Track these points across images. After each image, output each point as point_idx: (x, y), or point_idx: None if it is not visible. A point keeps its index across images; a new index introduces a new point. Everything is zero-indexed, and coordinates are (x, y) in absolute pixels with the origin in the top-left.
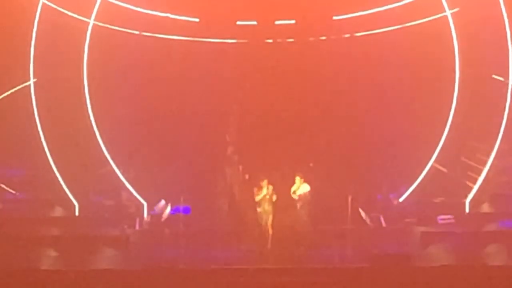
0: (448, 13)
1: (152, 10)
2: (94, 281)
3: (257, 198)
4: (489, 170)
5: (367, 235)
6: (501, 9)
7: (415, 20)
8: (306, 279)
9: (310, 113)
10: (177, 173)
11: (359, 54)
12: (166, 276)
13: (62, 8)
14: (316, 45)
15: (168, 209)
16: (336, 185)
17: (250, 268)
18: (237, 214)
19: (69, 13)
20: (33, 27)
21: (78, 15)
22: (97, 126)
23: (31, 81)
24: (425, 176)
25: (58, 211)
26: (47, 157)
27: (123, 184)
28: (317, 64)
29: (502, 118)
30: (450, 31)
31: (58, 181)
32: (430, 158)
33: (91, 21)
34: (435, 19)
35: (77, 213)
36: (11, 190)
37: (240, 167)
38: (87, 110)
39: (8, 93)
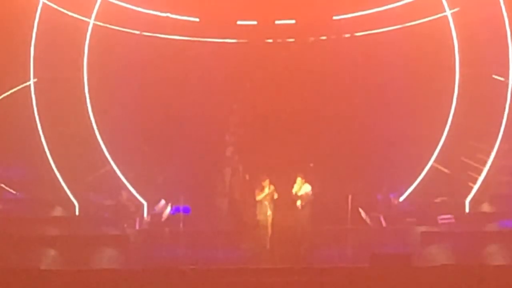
0: (448, 13)
1: (152, 10)
2: (94, 281)
3: (258, 197)
4: (489, 170)
5: (367, 235)
6: (501, 9)
7: (415, 20)
8: (306, 279)
9: (310, 113)
10: (177, 173)
11: (359, 54)
12: (166, 276)
13: (62, 8)
14: (316, 45)
15: (168, 209)
16: (336, 185)
17: (250, 268)
18: (237, 214)
19: (69, 13)
20: (33, 27)
21: (78, 15)
22: (97, 126)
23: (31, 81)
24: (425, 176)
25: (58, 211)
26: (47, 157)
27: (123, 184)
28: (317, 64)
29: (502, 118)
30: (450, 31)
31: (58, 181)
32: (430, 158)
33: (91, 21)
34: (435, 19)
35: (77, 213)
36: (11, 190)
37: (240, 167)
38: (87, 110)
39: (8, 93)
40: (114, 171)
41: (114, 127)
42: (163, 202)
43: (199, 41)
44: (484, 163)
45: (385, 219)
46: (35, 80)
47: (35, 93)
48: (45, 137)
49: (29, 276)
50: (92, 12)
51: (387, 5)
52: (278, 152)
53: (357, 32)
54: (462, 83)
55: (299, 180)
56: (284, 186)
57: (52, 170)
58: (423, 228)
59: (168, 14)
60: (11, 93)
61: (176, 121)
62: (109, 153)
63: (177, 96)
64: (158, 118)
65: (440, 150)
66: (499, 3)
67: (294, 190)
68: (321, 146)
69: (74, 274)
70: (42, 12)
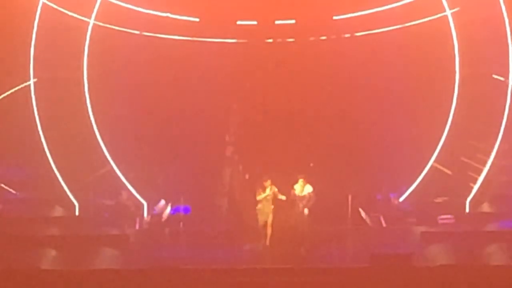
0: (448, 13)
1: (152, 10)
2: (94, 281)
3: (259, 197)
4: (489, 170)
5: (367, 235)
6: (501, 9)
7: (415, 20)
8: (306, 279)
9: (310, 112)
10: (177, 173)
11: (359, 54)
12: (166, 276)
13: (62, 8)
14: (316, 45)
15: (168, 209)
16: (336, 185)
17: (250, 268)
18: (237, 214)
19: (69, 13)
20: (33, 27)
21: (78, 15)
22: (97, 126)
23: (31, 81)
24: (425, 176)
25: (58, 211)
26: (47, 157)
27: (123, 184)
28: (317, 64)
29: (502, 118)
30: (450, 31)
31: (58, 181)
32: (430, 158)
33: (91, 21)
34: (435, 19)
35: (77, 213)
36: (11, 190)
37: (240, 167)
38: (87, 110)
39: (8, 93)
40: (114, 171)
41: (114, 127)
42: (163, 202)
43: (199, 41)
44: (484, 163)
45: (385, 219)
46: (35, 80)
47: (35, 93)
48: (45, 137)
49: (29, 276)
50: (92, 12)
51: (387, 5)
52: (278, 152)
53: (357, 32)
54: (462, 83)
55: (301, 181)
56: (284, 186)
57: (52, 170)
58: (423, 228)
59: (168, 14)
60: (11, 93)
61: (176, 121)
62: (109, 153)
63: (177, 96)
64: (158, 118)
65: (440, 150)
66: (499, 3)
67: (296, 191)
68: (321, 146)
69: (74, 274)
70: (42, 12)
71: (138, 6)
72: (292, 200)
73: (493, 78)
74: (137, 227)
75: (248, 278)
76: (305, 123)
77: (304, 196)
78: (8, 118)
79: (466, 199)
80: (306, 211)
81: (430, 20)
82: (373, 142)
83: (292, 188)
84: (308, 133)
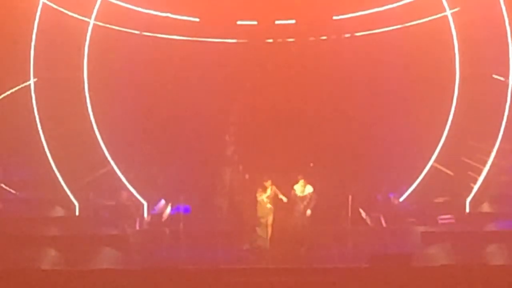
0: (448, 13)
1: (152, 10)
2: (94, 281)
3: (259, 198)
4: (489, 170)
5: (367, 235)
6: (501, 9)
7: (415, 20)
8: (306, 279)
9: (310, 113)
10: (177, 173)
11: (359, 54)
12: (166, 276)
13: (62, 8)
14: (316, 45)
15: (168, 209)
16: (336, 185)
17: (250, 268)
18: (237, 214)
19: (69, 13)
20: (33, 27)
21: (78, 15)
22: (97, 126)
23: (31, 81)
24: (425, 176)
25: (58, 211)
26: (47, 157)
27: (123, 184)
28: (317, 64)
29: (502, 118)
30: (450, 31)
31: (58, 181)
32: (430, 158)
33: (91, 21)
34: (435, 19)
35: (77, 213)
36: (11, 190)
37: (240, 167)
38: (87, 110)
39: (8, 93)
40: (114, 171)
41: (114, 127)
42: (163, 202)
43: (199, 41)
44: (484, 163)
45: (385, 219)
46: (35, 80)
47: (35, 93)
48: (45, 137)
49: (29, 276)
50: (92, 12)
51: (387, 5)
52: (278, 152)
53: (357, 32)
54: (462, 83)
55: (301, 181)
56: (284, 186)
57: (52, 170)
58: (423, 228)
59: (168, 14)
60: (11, 93)
61: (176, 121)
62: (109, 153)
63: (177, 96)
64: (158, 118)
65: (440, 150)
66: (499, 3)
67: (297, 192)
68: (321, 146)
69: (74, 274)
70: (42, 12)
71: (138, 6)
72: (293, 201)
73: (493, 78)
74: (137, 227)
75: (248, 278)
76: (306, 123)
77: (305, 197)
78: (8, 118)
79: (466, 199)
80: (308, 212)
81: (430, 20)
82: (373, 142)
83: (292, 188)
84: (309, 133)
